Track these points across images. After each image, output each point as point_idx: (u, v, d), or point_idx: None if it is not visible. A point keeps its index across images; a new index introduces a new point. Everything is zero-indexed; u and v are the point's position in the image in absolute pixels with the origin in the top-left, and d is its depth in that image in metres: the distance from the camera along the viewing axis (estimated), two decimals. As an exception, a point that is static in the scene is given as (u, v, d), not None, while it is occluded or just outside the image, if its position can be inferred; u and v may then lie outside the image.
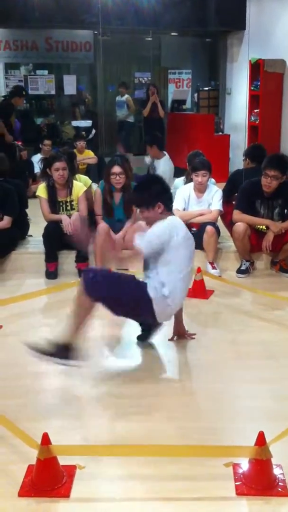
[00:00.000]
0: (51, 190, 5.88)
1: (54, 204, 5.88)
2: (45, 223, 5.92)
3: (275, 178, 5.46)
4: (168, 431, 3.20)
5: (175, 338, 4.29)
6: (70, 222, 5.73)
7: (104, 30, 11.02)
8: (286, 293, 5.28)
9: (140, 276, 3.98)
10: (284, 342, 4.35)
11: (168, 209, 3.99)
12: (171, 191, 6.89)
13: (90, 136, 11.11)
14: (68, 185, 5.90)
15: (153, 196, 3.91)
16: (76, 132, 10.65)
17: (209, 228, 5.72)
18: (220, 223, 6.14)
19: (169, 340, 4.27)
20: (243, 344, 4.34)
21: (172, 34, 13.01)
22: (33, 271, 5.89)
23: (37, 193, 6.01)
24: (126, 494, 2.72)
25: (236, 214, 5.73)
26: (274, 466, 2.74)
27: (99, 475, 2.82)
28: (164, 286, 3.74)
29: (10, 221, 5.89)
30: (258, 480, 2.70)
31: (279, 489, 2.69)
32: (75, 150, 8.47)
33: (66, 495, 2.67)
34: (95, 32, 11.58)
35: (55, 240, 5.81)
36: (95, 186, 6.49)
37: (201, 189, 5.94)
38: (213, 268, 5.75)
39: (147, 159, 8.31)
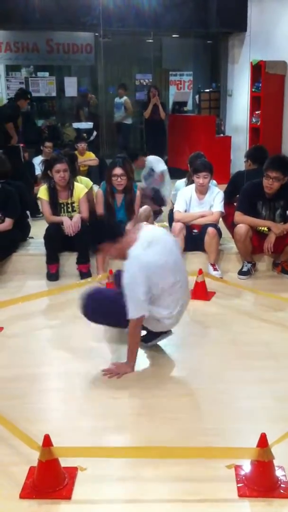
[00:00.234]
0: (52, 192, 5.88)
1: (55, 206, 5.88)
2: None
3: (277, 180, 5.45)
4: (169, 432, 3.19)
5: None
6: (71, 224, 5.73)
7: (105, 32, 11.05)
8: (287, 294, 5.27)
9: None
10: (285, 343, 4.35)
11: (116, 237, 3.85)
12: (173, 192, 6.97)
13: (91, 138, 11.10)
14: (69, 187, 5.90)
15: (93, 241, 4.13)
16: (77, 134, 10.66)
17: (210, 229, 5.71)
18: (221, 225, 6.13)
19: None
20: (245, 345, 4.33)
21: (173, 35, 13.02)
22: (34, 272, 5.88)
23: (38, 195, 6.01)
24: (128, 496, 2.71)
25: (238, 215, 5.73)
26: (276, 468, 2.73)
27: (100, 477, 2.81)
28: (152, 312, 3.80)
29: (11, 223, 5.88)
30: (260, 481, 2.69)
31: (281, 491, 2.68)
32: (76, 152, 8.48)
33: (68, 497, 2.67)
34: (96, 34, 11.59)
35: (56, 241, 5.81)
36: (96, 188, 6.49)
37: (202, 191, 5.94)
38: (215, 269, 5.74)
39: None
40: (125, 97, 12.43)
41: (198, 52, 13.69)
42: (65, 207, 5.91)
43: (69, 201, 5.91)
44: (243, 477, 2.75)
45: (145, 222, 5.82)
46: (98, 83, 13.12)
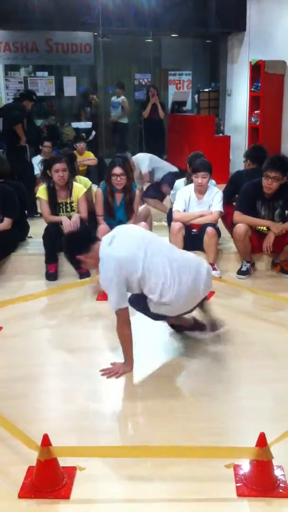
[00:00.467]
0: (51, 192, 5.88)
1: (54, 205, 5.88)
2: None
3: (276, 180, 5.45)
4: (168, 432, 3.19)
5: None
6: (70, 223, 5.73)
7: (104, 32, 11.09)
8: (286, 294, 5.26)
9: None
10: (285, 343, 4.34)
11: (88, 246, 3.85)
12: (172, 192, 6.97)
13: (90, 137, 11.11)
14: (68, 187, 5.90)
15: (69, 256, 4.07)
16: (76, 134, 10.65)
17: (209, 229, 5.71)
18: (220, 224, 6.13)
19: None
20: (244, 345, 4.32)
21: (173, 35, 13.03)
22: (33, 272, 5.88)
23: (37, 195, 6.01)
24: (127, 495, 2.71)
25: (237, 215, 5.73)
26: (275, 468, 2.72)
27: (99, 476, 2.81)
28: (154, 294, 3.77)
29: (10, 222, 5.88)
30: (259, 481, 2.69)
31: (280, 490, 2.67)
32: (75, 152, 8.48)
33: (67, 496, 2.67)
34: (95, 33, 11.61)
35: (55, 241, 5.81)
36: (95, 188, 6.49)
37: (201, 191, 5.93)
38: (214, 269, 5.73)
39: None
40: (122, 97, 12.42)
41: (197, 52, 13.72)
42: (64, 207, 5.91)
43: (68, 201, 5.91)
44: (242, 477, 2.74)
45: (143, 223, 5.87)
46: (97, 83, 13.11)
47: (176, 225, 5.78)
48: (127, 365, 3.84)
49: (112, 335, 4.04)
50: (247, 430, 3.08)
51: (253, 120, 10.40)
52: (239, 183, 6.07)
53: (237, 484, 2.71)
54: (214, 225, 5.82)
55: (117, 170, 5.74)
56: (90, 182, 6.63)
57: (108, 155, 11.32)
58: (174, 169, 7.94)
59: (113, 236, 3.83)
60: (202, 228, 5.80)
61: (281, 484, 2.70)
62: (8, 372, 3.95)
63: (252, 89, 10.31)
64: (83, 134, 10.30)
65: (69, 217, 5.81)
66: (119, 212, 5.90)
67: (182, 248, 5.59)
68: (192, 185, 6.02)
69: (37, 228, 6.41)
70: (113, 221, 5.87)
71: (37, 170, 8.13)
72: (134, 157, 8.03)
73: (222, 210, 5.91)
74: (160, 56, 13.51)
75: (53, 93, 12.33)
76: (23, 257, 6.06)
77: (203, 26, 11.26)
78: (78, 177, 6.51)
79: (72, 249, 3.96)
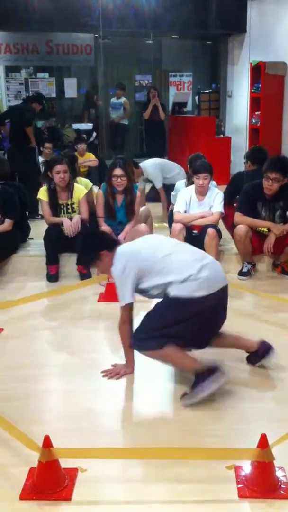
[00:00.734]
0: (52, 193, 5.88)
1: (55, 207, 5.88)
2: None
3: (277, 181, 5.45)
4: (170, 433, 3.19)
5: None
6: (71, 224, 5.73)
7: (105, 33, 11.08)
8: (287, 295, 5.27)
9: None
10: (286, 344, 4.34)
11: (111, 248, 3.77)
12: (173, 193, 6.97)
13: (91, 139, 11.11)
14: (69, 188, 5.90)
15: (91, 250, 3.90)
16: (77, 135, 10.66)
17: (210, 230, 5.70)
18: (221, 226, 6.13)
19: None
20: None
21: (173, 36, 13.02)
22: (34, 274, 5.88)
23: (38, 196, 6.00)
24: (128, 497, 2.71)
25: (238, 216, 5.73)
26: (276, 469, 2.73)
27: (101, 478, 2.81)
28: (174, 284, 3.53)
29: (11, 224, 5.88)
30: (261, 482, 2.69)
31: (282, 492, 2.68)
32: (76, 153, 8.48)
33: (68, 498, 2.67)
34: (96, 35, 11.60)
35: (56, 242, 5.81)
36: (96, 189, 6.49)
37: (202, 192, 5.93)
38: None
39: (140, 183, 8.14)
40: (124, 98, 12.42)
41: (198, 53, 13.71)
42: (65, 208, 5.91)
43: (69, 202, 5.91)
44: (244, 478, 2.74)
45: (143, 224, 5.87)
46: (98, 84, 13.12)
47: (177, 226, 5.78)
48: (128, 366, 3.84)
49: (113, 336, 4.05)
50: (248, 432, 3.09)
51: (253, 121, 10.40)
52: (239, 184, 6.07)
53: (238, 486, 2.71)
54: (215, 226, 5.82)
55: (118, 171, 5.75)
56: (91, 184, 6.63)
57: (109, 156, 11.35)
58: (182, 173, 7.84)
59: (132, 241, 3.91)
60: (203, 229, 5.79)
61: (282, 486, 2.71)
62: (9, 373, 3.95)
63: (253, 90, 10.32)
64: (84, 136, 10.30)
65: (70, 219, 5.81)
66: (120, 213, 5.90)
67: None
68: (192, 187, 6.02)
69: (38, 230, 6.41)
70: (113, 223, 5.88)
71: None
72: (142, 165, 7.93)
73: (223, 211, 5.91)
74: (161, 57, 13.51)
75: (53, 95, 12.33)
76: (24, 259, 6.06)
77: (204, 28, 11.26)
78: (79, 179, 6.52)
79: (97, 243, 3.90)
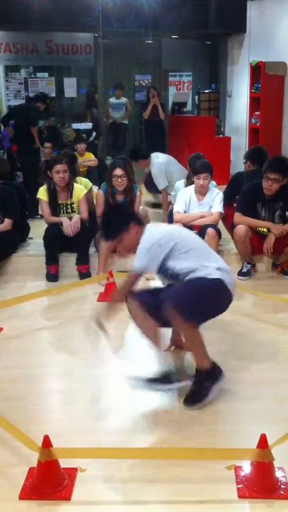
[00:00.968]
0: (52, 193, 5.88)
1: (54, 206, 5.88)
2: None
3: (276, 181, 5.45)
4: (169, 433, 3.19)
5: (172, 349, 4.12)
6: (70, 224, 5.73)
7: (105, 33, 11.03)
8: (287, 295, 5.27)
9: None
10: (286, 344, 4.34)
11: (139, 222, 3.74)
12: (172, 193, 6.97)
13: (91, 138, 11.10)
14: (69, 188, 5.89)
15: (120, 222, 3.76)
16: (77, 135, 10.65)
17: (210, 230, 5.70)
18: (221, 226, 6.13)
19: (165, 350, 4.01)
20: (245, 347, 4.33)
21: (173, 36, 13.01)
22: (34, 273, 5.88)
23: (37, 196, 6.00)
24: (128, 497, 2.71)
25: (237, 216, 5.73)
26: (276, 469, 2.73)
27: (100, 478, 2.81)
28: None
29: (11, 223, 5.88)
30: (260, 483, 2.69)
31: (281, 492, 2.68)
32: (75, 153, 8.48)
33: (67, 498, 2.67)
34: (96, 35, 11.58)
35: (56, 242, 5.81)
36: (95, 189, 6.49)
37: (202, 192, 5.93)
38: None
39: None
40: (125, 98, 12.41)
41: (198, 53, 13.70)
42: (64, 208, 5.91)
43: (69, 202, 5.91)
44: (243, 478, 2.75)
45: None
46: (97, 84, 13.11)
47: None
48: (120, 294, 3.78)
49: (115, 337, 4.04)
50: (248, 432, 3.08)
51: (253, 121, 10.40)
52: (239, 184, 6.08)
53: (238, 486, 2.71)
54: (214, 226, 5.82)
55: (118, 171, 5.75)
56: (91, 183, 6.62)
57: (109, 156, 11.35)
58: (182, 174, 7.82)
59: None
60: (203, 229, 5.79)
61: (282, 486, 2.71)
62: (9, 373, 3.95)
63: (253, 90, 10.31)
64: (84, 135, 10.29)
65: (70, 218, 5.81)
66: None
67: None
68: (192, 186, 6.02)
69: (37, 229, 6.41)
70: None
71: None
72: (152, 160, 7.94)
73: (222, 211, 5.91)
74: (160, 57, 13.50)
75: (53, 94, 12.31)
76: (23, 258, 6.06)
77: (203, 28, 11.25)
78: (79, 178, 6.51)
79: (127, 215, 3.86)
